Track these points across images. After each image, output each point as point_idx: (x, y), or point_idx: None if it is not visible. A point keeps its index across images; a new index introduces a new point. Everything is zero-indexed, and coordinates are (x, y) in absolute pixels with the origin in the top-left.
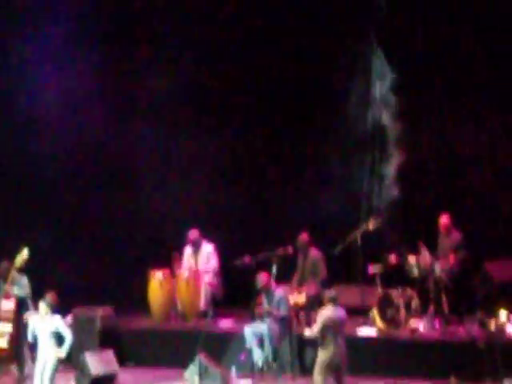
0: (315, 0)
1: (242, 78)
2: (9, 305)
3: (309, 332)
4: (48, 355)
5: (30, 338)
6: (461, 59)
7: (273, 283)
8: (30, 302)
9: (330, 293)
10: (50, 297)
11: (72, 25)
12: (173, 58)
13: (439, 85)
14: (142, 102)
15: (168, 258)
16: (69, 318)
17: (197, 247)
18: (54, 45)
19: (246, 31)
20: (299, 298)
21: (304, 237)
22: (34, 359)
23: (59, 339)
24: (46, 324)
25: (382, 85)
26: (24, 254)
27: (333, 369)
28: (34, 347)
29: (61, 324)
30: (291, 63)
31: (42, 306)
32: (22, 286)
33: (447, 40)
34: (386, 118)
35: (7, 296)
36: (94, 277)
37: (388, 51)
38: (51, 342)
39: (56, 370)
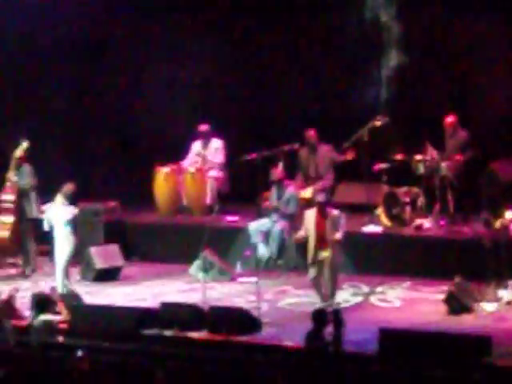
0: None
1: None
2: (10, 196)
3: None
4: (62, 245)
5: (45, 227)
6: None
7: (286, 179)
8: (33, 193)
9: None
10: (67, 187)
11: None
12: None
13: None
14: None
15: (176, 153)
16: (76, 211)
17: (206, 141)
18: None
19: None
20: (306, 192)
21: (312, 133)
22: (38, 252)
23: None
24: (61, 214)
25: None
26: (24, 145)
27: None
28: (48, 237)
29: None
30: None
31: (59, 196)
32: (24, 175)
33: None
34: (384, 19)
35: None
36: (100, 172)
37: None
38: (66, 232)
39: (69, 260)
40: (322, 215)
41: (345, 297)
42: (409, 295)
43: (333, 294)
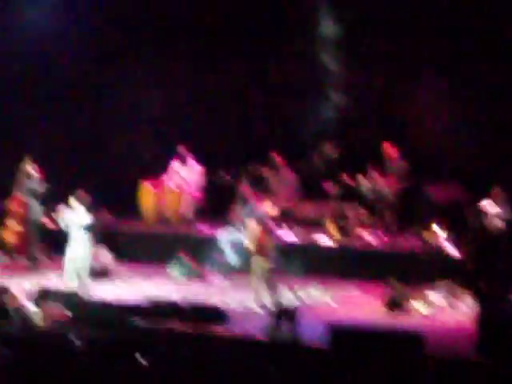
0: None
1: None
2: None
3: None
4: (81, 247)
5: (63, 227)
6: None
7: (253, 197)
8: (38, 202)
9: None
10: (79, 193)
11: None
12: None
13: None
14: None
15: (158, 171)
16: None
17: (184, 162)
18: None
19: None
20: (272, 211)
21: (277, 156)
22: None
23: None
24: (79, 218)
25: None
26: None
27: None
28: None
29: (87, 218)
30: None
31: (73, 201)
32: (33, 184)
33: None
34: (328, 61)
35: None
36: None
37: None
38: (84, 235)
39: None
40: (265, 228)
41: (292, 297)
42: (352, 298)
43: (274, 297)
